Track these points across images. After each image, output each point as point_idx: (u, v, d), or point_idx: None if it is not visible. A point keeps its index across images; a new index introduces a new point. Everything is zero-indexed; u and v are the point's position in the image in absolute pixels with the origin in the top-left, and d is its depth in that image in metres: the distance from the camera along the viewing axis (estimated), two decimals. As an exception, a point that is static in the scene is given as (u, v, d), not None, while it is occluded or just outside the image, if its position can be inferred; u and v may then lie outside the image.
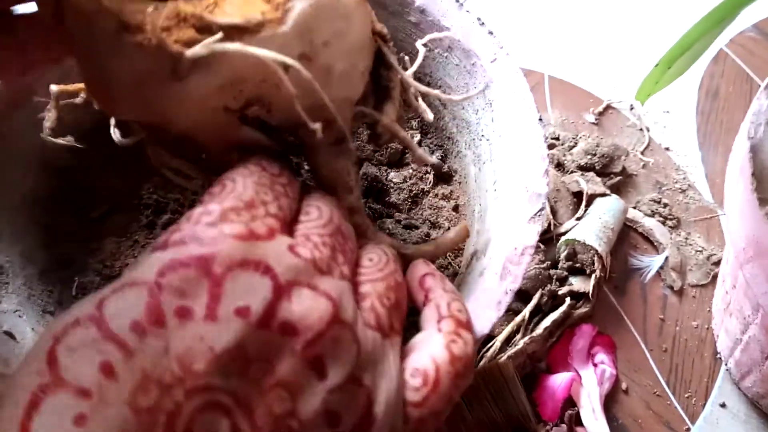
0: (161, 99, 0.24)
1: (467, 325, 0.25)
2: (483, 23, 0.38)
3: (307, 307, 0.20)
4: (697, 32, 0.36)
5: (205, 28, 0.23)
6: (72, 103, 0.34)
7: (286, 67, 0.23)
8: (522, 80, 0.36)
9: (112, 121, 0.30)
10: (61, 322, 0.19)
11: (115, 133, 0.30)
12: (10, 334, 0.34)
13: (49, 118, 0.32)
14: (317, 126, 0.25)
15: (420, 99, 0.31)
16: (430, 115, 0.30)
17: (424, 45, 0.32)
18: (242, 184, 0.23)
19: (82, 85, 0.31)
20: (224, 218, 0.21)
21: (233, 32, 0.23)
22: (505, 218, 0.33)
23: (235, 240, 0.20)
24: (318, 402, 0.20)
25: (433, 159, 0.31)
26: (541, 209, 0.32)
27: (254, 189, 0.23)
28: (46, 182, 0.40)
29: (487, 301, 0.30)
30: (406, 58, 0.31)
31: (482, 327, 0.29)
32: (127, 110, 0.26)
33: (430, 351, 0.24)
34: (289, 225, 0.23)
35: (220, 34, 0.23)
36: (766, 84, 0.40)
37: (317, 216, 0.24)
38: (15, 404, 0.17)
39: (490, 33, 0.38)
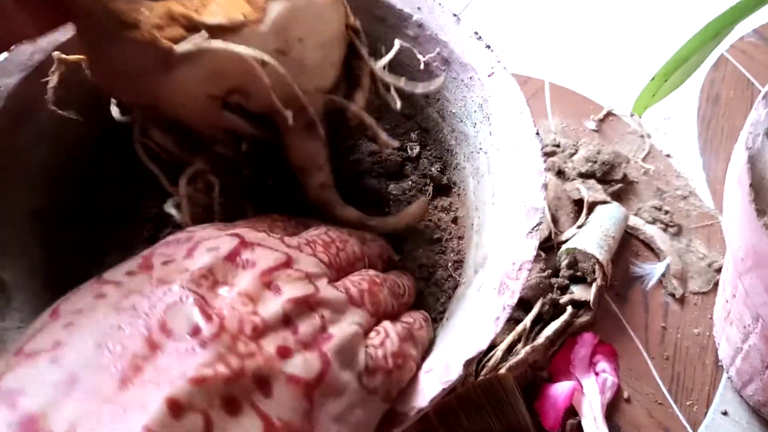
0: (154, 86, 0.28)
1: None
2: (480, 37, 0.39)
3: (265, 254, 0.26)
4: (694, 46, 0.36)
5: (193, 27, 0.27)
6: (74, 116, 0.37)
7: (264, 63, 0.27)
8: (519, 94, 0.36)
9: (112, 100, 0.34)
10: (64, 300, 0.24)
11: (114, 111, 0.34)
12: (13, 351, 0.34)
13: (52, 80, 0.35)
14: (288, 113, 0.29)
15: (393, 91, 0.35)
16: (397, 104, 0.35)
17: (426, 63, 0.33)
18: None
19: (81, 57, 0.34)
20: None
21: (217, 31, 0.27)
22: (503, 232, 0.34)
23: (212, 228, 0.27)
24: (276, 308, 0.24)
25: (395, 143, 0.36)
26: (539, 224, 0.32)
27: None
28: (49, 198, 0.40)
29: (485, 316, 0.30)
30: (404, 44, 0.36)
31: (480, 343, 0.29)
32: (125, 93, 0.30)
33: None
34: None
35: (204, 33, 0.27)
36: (764, 94, 0.40)
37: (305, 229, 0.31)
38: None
39: (488, 47, 0.38)
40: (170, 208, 0.33)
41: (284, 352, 0.23)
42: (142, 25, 0.26)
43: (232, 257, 0.25)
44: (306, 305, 0.25)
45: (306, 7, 0.29)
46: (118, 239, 0.42)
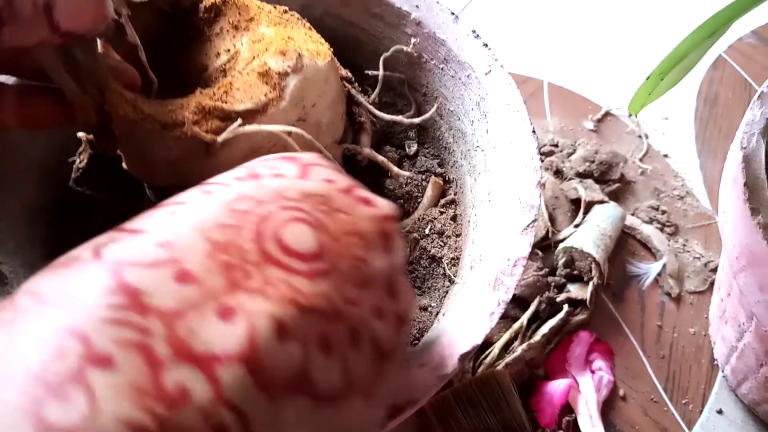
0: (197, 170, 0.31)
1: None
2: (478, 36, 0.39)
3: (378, 200, 0.25)
4: (690, 44, 0.36)
5: (227, 117, 0.31)
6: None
7: (289, 132, 0.31)
8: (516, 93, 0.37)
9: (146, 185, 0.37)
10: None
11: (151, 195, 0.37)
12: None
13: (80, 161, 0.38)
14: None
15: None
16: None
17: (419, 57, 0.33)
18: None
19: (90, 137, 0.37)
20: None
21: (248, 114, 0.31)
22: (498, 229, 0.34)
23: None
24: (384, 266, 0.23)
25: (406, 173, 0.40)
26: (534, 221, 0.33)
27: None
28: (47, 194, 0.40)
29: (480, 311, 0.30)
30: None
31: (475, 337, 0.29)
32: (167, 180, 0.34)
33: None
34: None
35: (239, 120, 0.30)
36: (759, 94, 0.41)
37: None
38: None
39: (485, 45, 0.38)
40: None
41: (378, 314, 0.22)
42: (182, 124, 0.30)
43: (348, 191, 0.24)
44: (401, 275, 0.24)
45: (314, 75, 0.33)
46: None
